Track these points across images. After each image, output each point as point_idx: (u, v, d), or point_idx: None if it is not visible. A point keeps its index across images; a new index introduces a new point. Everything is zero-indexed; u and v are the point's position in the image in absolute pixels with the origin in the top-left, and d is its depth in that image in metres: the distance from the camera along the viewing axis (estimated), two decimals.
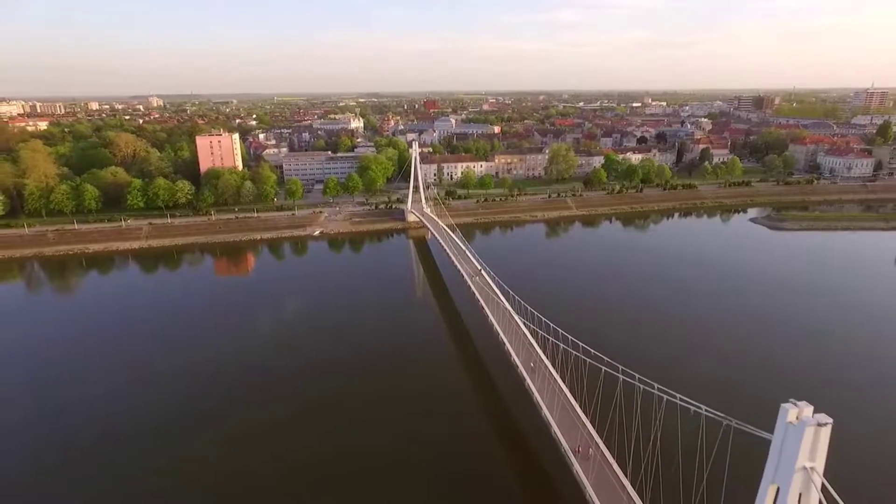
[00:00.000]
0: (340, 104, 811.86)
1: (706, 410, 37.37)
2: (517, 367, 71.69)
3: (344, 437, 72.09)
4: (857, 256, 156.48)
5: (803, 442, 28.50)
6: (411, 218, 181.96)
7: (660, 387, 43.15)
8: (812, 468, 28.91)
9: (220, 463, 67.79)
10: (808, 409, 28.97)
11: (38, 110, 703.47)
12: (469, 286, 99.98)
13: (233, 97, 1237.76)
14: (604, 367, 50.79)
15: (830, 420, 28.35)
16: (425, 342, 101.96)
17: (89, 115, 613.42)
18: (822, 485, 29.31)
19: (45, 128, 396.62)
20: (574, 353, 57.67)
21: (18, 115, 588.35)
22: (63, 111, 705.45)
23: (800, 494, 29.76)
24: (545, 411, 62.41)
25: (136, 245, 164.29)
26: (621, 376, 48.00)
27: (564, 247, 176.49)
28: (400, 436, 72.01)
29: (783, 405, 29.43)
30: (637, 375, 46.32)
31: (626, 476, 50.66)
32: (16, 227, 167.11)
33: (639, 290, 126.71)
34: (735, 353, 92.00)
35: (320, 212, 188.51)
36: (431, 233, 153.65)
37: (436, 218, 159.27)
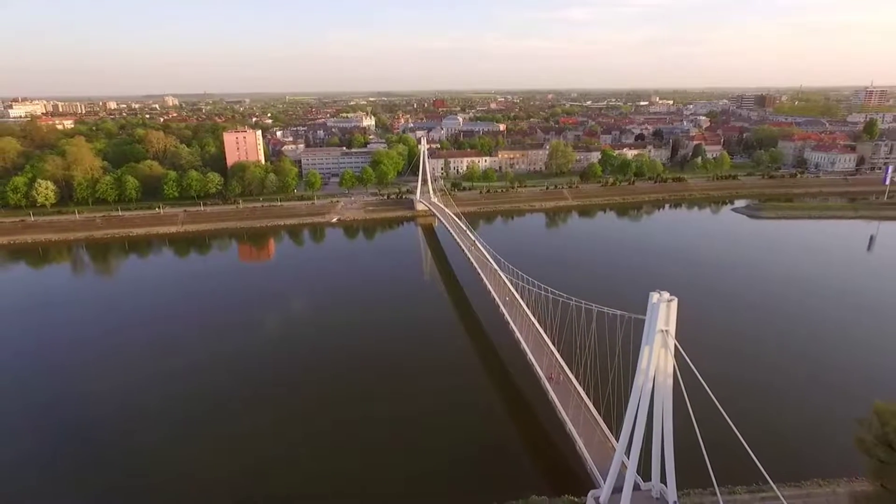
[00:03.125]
0: (351, 103, 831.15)
1: (619, 312, 54.78)
2: (504, 315, 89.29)
3: (370, 364, 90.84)
4: (815, 236, 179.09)
5: (660, 313, 45.73)
6: (420, 207, 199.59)
7: (597, 305, 60.45)
8: (666, 330, 46.11)
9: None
10: (665, 294, 46.10)
11: (60, 109, 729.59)
12: (467, 255, 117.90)
13: (245, 96, 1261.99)
14: (562, 299, 68.19)
15: (675, 298, 45.52)
16: (432, 308, 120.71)
17: (111, 114, 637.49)
18: (675, 346, 46.53)
19: (72, 126, 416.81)
20: (543, 293, 74.98)
21: (42, 114, 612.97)
22: (84, 110, 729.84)
23: (660, 351, 47.02)
24: (523, 344, 79.91)
25: (173, 229, 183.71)
26: (572, 302, 65.37)
27: (555, 230, 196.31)
28: (413, 365, 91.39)
29: (651, 293, 46.54)
30: (582, 300, 63.59)
31: (573, 371, 68.85)
32: (67, 213, 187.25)
33: (611, 257, 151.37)
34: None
35: (337, 201, 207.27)
36: (438, 220, 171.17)
37: (442, 206, 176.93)
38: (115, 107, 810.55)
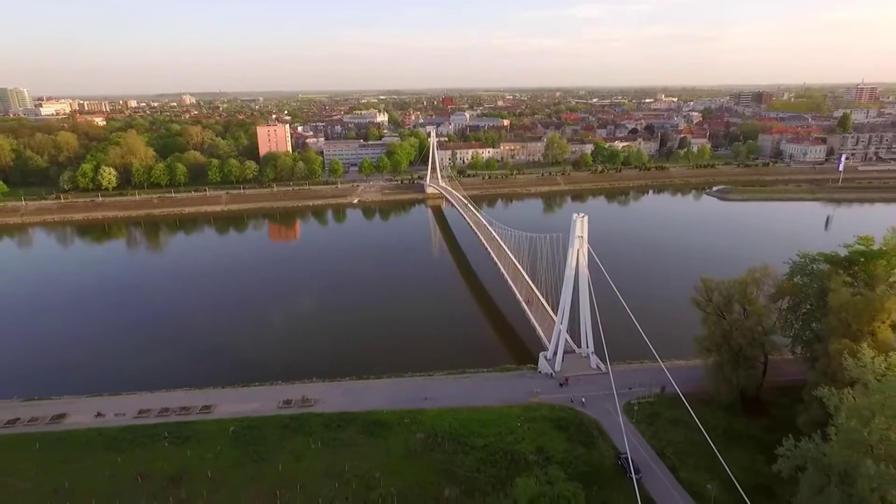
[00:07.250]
0: (363, 101, 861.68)
1: (559, 234, 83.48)
2: (494, 261, 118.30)
3: (389, 305, 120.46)
4: (769, 213, 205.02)
5: (577, 225, 74.70)
6: (430, 191, 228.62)
7: (548, 234, 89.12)
8: (581, 237, 74.98)
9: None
10: (582, 215, 74.89)
11: (86, 108, 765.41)
12: (466, 220, 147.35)
13: (258, 94, 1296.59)
14: (530, 235, 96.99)
15: (586, 215, 74.38)
16: (438, 262, 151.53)
17: (136, 111, 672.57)
18: (588, 250, 75.33)
19: (104, 123, 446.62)
20: (513, 231, 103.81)
21: (71, 112, 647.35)
22: (108, 109, 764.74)
23: (578, 250, 75.81)
24: (502, 270, 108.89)
25: (218, 208, 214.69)
26: (535, 236, 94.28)
27: (546, 209, 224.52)
28: (423, 295, 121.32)
29: (574, 214, 75.28)
30: (537, 232, 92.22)
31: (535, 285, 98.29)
32: (128, 195, 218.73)
33: None
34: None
35: (357, 185, 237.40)
36: (445, 201, 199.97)
37: (449, 188, 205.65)
38: (136, 105, 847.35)
